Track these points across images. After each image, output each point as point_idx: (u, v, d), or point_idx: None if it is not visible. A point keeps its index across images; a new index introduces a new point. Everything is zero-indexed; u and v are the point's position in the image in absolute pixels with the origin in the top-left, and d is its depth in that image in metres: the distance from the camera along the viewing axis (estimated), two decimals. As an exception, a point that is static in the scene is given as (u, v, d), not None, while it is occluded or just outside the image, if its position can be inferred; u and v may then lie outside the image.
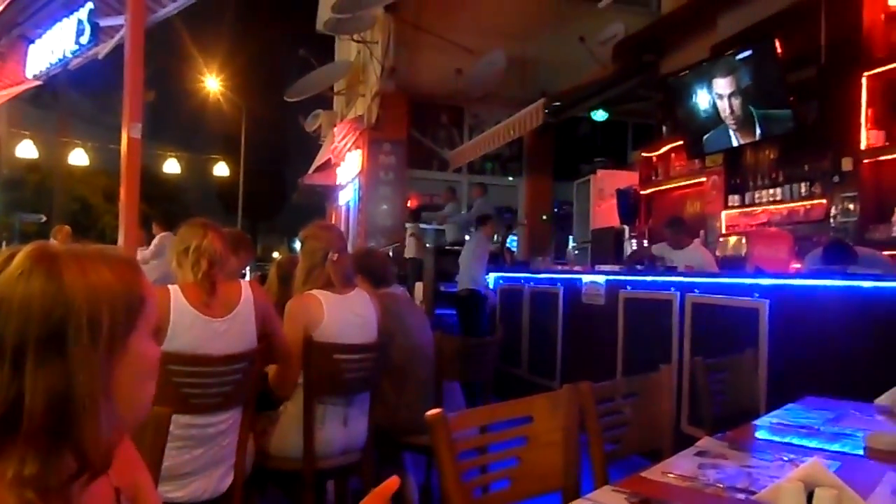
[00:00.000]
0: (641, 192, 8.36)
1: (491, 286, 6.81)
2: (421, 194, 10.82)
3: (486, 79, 9.31)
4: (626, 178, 8.77)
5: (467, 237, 7.30)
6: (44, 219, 14.62)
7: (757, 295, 3.68)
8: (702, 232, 6.82)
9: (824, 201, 5.70)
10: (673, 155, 7.90)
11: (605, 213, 8.68)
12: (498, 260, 7.68)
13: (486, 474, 1.58)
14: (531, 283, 6.32)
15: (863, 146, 5.29)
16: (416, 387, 3.07)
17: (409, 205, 10.57)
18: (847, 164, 5.39)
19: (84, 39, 6.14)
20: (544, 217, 11.06)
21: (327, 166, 14.20)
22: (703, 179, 7.23)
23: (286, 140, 29.52)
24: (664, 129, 8.13)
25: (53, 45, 6.71)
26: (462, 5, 9.37)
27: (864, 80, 5.29)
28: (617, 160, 10.03)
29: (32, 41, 7.19)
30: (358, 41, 11.21)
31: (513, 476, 1.57)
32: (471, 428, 1.62)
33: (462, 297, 6.41)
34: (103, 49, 6.53)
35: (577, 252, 8.72)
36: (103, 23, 6.09)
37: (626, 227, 7.75)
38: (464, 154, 9.88)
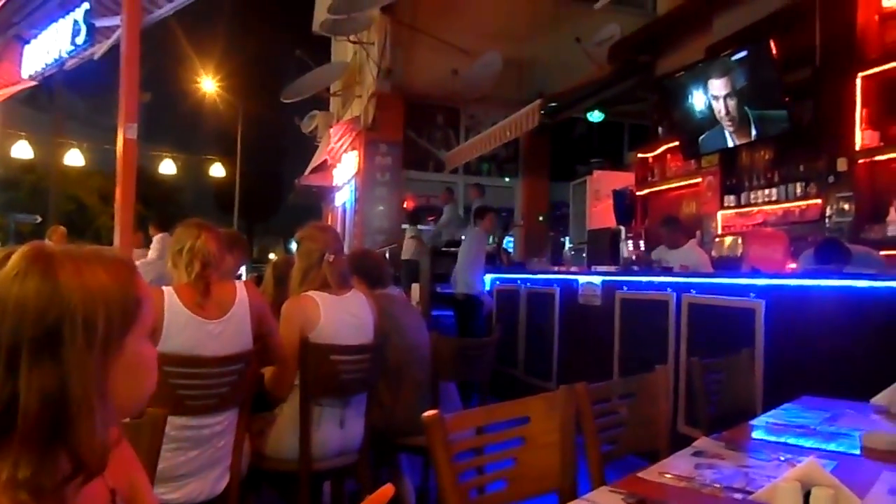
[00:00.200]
0: (637, 193, 8.37)
1: (487, 287, 6.78)
2: (417, 195, 10.82)
3: (483, 80, 9.32)
4: (623, 179, 8.77)
5: (463, 237, 7.09)
6: (39, 219, 14.56)
7: (753, 295, 3.69)
8: (698, 232, 6.83)
9: (820, 201, 5.71)
10: (669, 156, 7.92)
11: (602, 214, 8.68)
12: (494, 261, 7.67)
13: (482, 475, 1.58)
14: (527, 284, 6.33)
15: (858, 146, 5.30)
16: (413, 388, 3.07)
17: (405, 206, 10.57)
18: (842, 164, 5.41)
19: (80, 40, 6.13)
20: (541, 218, 11.07)
21: (324, 167, 14.18)
22: (699, 180, 7.24)
23: (282, 141, 29.46)
24: (660, 129, 8.14)
25: (49, 46, 6.70)
26: (458, 6, 9.39)
27: (858, 81, 5.30)
28: (613, 161, 10.04)
29: (28, 41, 7.18)
30: (354, 42, 11.21)
31: (509, 477, 1.57)
32: (467, 429, 1.62)
33: (459, 301, 6.36)
34: (99, 49, 6.51)
35: (573, 253, 8.73)
36: (99, 23, 6.08)
37: (623, 228, 7.74)
38: (460, 155, 9.88)
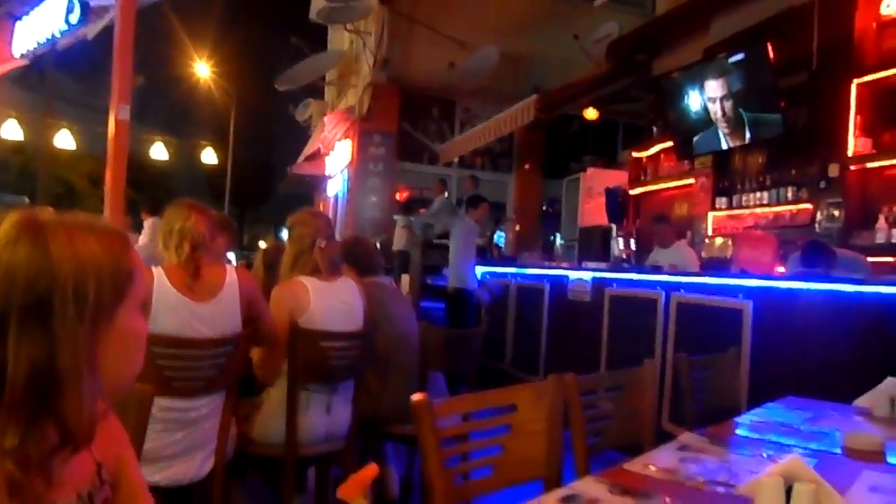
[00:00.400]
0: (630, 192, 8.39)
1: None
2: (410, 187, 10.80)
3: (479, 73, 9.30)
4: (616, 178, 8.80)
5: (452, 229, 6.84)
6: (27, 201, 14.42)
7: (741, 296, 3.71)
8: (688, 233, 6.87)
9: (810, 206, 5.75)
10: (662, 156, 7.94)
11: (594, 212, 8.71)
12: (485, 254, 7.66)
13: (468, 462, 1.59)
14: (518, 279, 6.34)
15: (850, 153, 5.34)
16: (400, 376, 3.07)
17: (397, 197, 10.55)
18: (834, 170, 5.44)
19: (74, 19, 6.06)
20: (545, 208, 11.02)
21: (316, 156, 14.13)
22: (692, 181, 7.27)
23: (275, 128, 29.34)
24: (654, 129, 8.17)
25: (41, 24, 6.62)
26: (457, -1, 9.36)
27: (853, 87, 5.33)
28: (607, 159, 10.07)
29: (20, 18, 7.08)
30: (351, 31, 11.16)
31: (495, 464, 1.57)
32: (455, 414, 1.63)
33: (450, 294, 6.27)
34: (93, 30, 6.45)
35: (564, 249, 8.76)
36: (94, 2, 6.02)
37: (614, 226, 7.78)
38: (454, 148, 9.87)
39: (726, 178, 6.82)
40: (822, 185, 5.56)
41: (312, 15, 12.99)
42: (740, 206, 6.54)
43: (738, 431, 1.90)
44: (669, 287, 4.29)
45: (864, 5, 5.39)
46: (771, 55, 5.72)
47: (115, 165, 4.75)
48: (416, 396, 1.41)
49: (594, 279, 5.14)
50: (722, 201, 6.77)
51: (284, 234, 2.99)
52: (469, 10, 9.38)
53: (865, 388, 2.22)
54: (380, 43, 10.13)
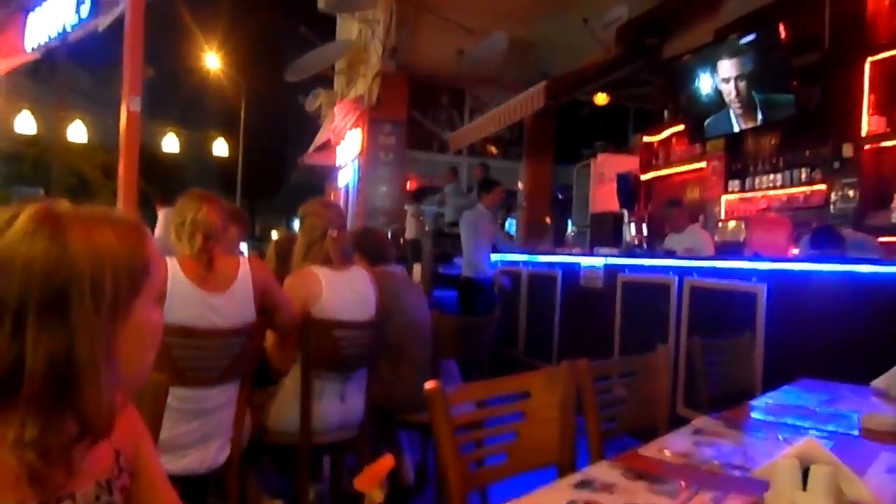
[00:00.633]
0: (642, 177, 8.34)
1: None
2: (421, 176, 10.79)
3: (488, 60, 9.24)
4: (627, 163, 8.73)
5: (462, 217, 6.65)
6: (41, 192, 14.55)
7: (755, 279, 3.69)
8: (701, 217, 6.82)
9: (824, 187, 5.69)
10: (674, 140, 7.88)
11: (605, 198, 8.65)
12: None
13: (482, 448, 1.59)
14: (529, 267, 6.32)
15: (864, 132, 5.27)
16: (413, 365, 3.08)
17: (408, 186, 10.53)
18: (848, 150, 5.38)
19: (84, 11, 6.07)
20: (560, 196, 10.97)
21: (327, 146, 14.13)
22: (704, 165, 7.21)
23: (286, 119, 29.34)
24: (665, 113, 8.09)
25: (53, 17, 6.64)
26: (465, -15, 9.28)
27: (867, 66, 5.26)
28: (618, 144, 9.99)
29: (31, 10, 7.11)
30: (360, 20, 11.12)
31: (509, 450, 1.58)
32: (468, 402, 1.63)
33: (462, 283, 6.19)
34: (103, 22, 6.45)
35: (575, 236, 8.71)
36: (103, -5, 6.03)
37: (626, 212, 7.73)
38: (464, 136, 9.83)
39: (739, 161, 6.76)
40: (836, 165, 5.50)
41: (321, 4, 12.91)
42: (753, 189, 6.48)
43: (753, 415, 1.90)
44: (682, 272, 4.27)
45: (878, -18, 5.31)
46: (783, 35, 5.64)
47: (127, 157, 4.77)
48: (430, 384, 1.41)
49: (606, 265, 5.12)
50: (735, 184, 6.71)
51: (296, 224, 3.00)
52: (476, -3, 9.30)
53: (882, 369, 2.21)
54: (388, 31, 10.09)
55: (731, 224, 5.36)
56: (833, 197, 5.51)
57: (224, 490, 2.34)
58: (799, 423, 1.77)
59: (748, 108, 6.21)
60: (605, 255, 5.24)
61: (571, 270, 5.58)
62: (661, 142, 8.16)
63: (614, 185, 8.42)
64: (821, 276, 3.41)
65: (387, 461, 0.96)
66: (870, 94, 5.25)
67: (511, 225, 10.06)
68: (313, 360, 2.55)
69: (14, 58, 7.82)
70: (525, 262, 6.42)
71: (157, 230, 6.80)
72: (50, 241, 0.77)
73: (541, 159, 11.30)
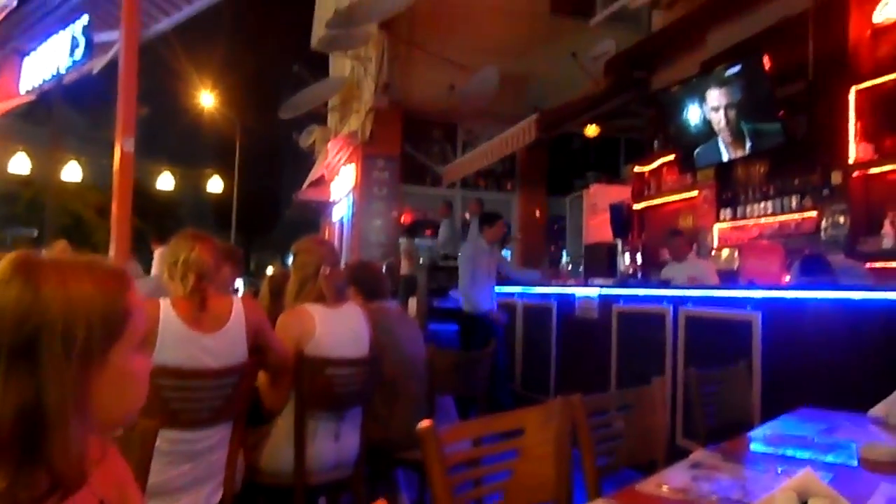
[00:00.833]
0: (634, 207, 8.38)
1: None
2: (415, 209, 10.83)
3: (480, 95, 9.35)
4: (619, 193, 8.79)
5: (461, 252, 6.58)
6: (36, 233, 14.55)
7: (749, 307, 3.69)
8: (694, 245, 6.84)
9: (815, 214, 5.73)
10: (665, 169, 7.94)
11: (599, 228, 8.70)
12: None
13: (478, 487, 1.57)
14: (524, 298, 6.31)
15: (851, 159, 5.33)
16: (409, 401, 3.05)
17: (402, 220, 10.57)
18: (836, 177, 5.43)
19: (78, 54, 6.14)
20: (555, 227, 11.05)
21: (321, 182, 14.21)
22: (695, 193, 7.26)
23: (280, 156, 29.54)
24: (655, 143, 8.17)
25: (47, 60, 6.72)
26: (455, 22, 9.44)
27: (852, 94, 5.34)
28: (610, 175, 10.08)
29: (27, 54, 7.20)
30: (352, 58, 11.27)
31: (505, 489, 1.55)
32: (462, 441, 1.61)
33: (461, 317, 6.06)
34: (97, 64, 6.55)
35: (570, 267, 8.72)
36: (98, 38, 6.11)
37: (620, 242, 7.77)
38: (457, 169, 9.91)
39: (729, 189, 6.81)
40: (826, 192, 5.54)
41: (314, 43, 13.12)
42: (745, 217, 6.52)
43: (751, 446, 1.88)
44: (677, 301, 4.27)
45: (858, 14, 5.41)
46: (767, 66, 5.74)
47: (120, 196, 4.78)
48: (422, 424, 1.39)
49: (601, 296, 5.12)
50: (726, 212, 6.75)
51: (290, 259, 3.00)
52: (467, 33, 9.46)
53: (879, 396, 2.20)
54: (380, 68, 10.22)
55: (725, 252, 5.39)
56: (824, 223, 5.54)
57: (217, 534, 2.29)
58: (798, 454, 1.76)
59: (737, 137, 6.28)
60: (600, 286, 5.25)
61: (567, 301, 5.57)
62: (652, 171, 8.23)
63: (607, 216, 8.47)
64: (815, 304, 3.41)
65: (380, 504, 0.95)
66: (856, 121, 5.32)
67: (508, 256, 10.07)
68: (307, 398, 2.52)
69: (9, 100, 7.88)
70: (520, 294, 6.41)
71: (154, 269, 6.78)
72: (23, 288, 0.77)
73: (534, 191, 11.38)
